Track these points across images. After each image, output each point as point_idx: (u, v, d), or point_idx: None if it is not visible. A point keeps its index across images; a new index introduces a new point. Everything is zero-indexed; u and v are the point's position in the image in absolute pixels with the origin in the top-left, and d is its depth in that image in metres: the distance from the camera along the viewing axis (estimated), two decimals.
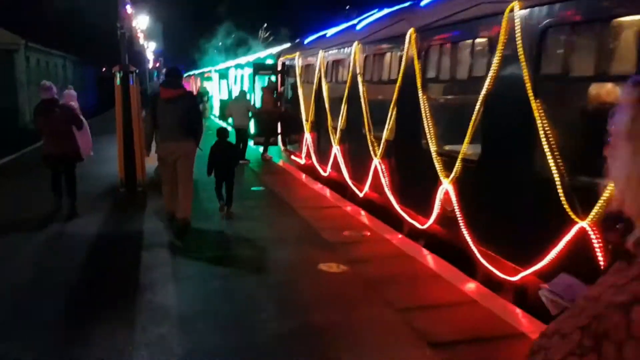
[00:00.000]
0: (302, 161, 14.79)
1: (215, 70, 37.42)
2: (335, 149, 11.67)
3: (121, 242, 8.03)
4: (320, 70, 12.74)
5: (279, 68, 17.13)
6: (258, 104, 17.28)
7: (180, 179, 8.31)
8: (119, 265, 7.03)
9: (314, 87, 13.17)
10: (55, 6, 35.40)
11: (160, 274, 6.65)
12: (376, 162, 9.30)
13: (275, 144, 17.48)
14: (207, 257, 7.28)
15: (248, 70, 24.04)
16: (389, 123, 8.76)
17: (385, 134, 8.98)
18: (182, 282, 6.39)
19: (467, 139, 6.47)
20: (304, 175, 13.79)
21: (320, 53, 12.74)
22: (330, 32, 13.00)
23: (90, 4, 33.26)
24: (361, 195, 10.17)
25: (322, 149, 12.84)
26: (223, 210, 9.41)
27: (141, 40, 25.95)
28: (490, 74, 6.07)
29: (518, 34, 5.62)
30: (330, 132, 11.94)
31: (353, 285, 6.23)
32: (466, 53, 6.93)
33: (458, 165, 6.71)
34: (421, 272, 6.65)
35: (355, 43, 10.48)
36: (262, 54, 22.55)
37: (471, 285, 6.10)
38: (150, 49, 45.06)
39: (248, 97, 16.91)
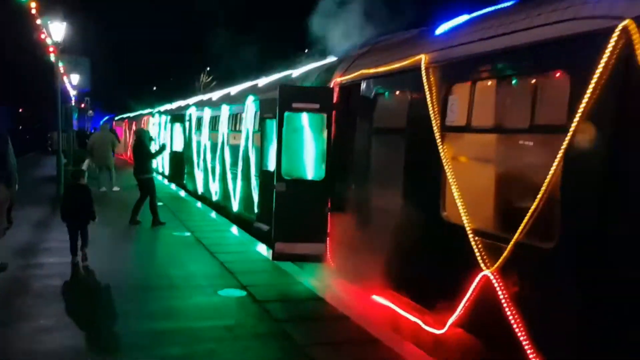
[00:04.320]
0: (440, 330, 5.72)
1: (161, 113, 27.91)
2: None
3: None
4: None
5: (335, 99, 8.19)
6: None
7: None
8: None
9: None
10: None
11: None
12: None
13: (313, 259, 8.40)
14: None
15: (223, 110, 14.84)
16: None
17: None
18: None
19: None
20: None
21: None
22: None
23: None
24: None
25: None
26: (76, 262, 8.76)
27: (52, 57, 16.36)
28: None
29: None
30: None
31: None
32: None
33: None
34: None
35: None
36: (271, 77, 13.29)
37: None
38: (73, 82, 35.27)
39: None
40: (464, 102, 5.46)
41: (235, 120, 14.33)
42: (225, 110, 15.16)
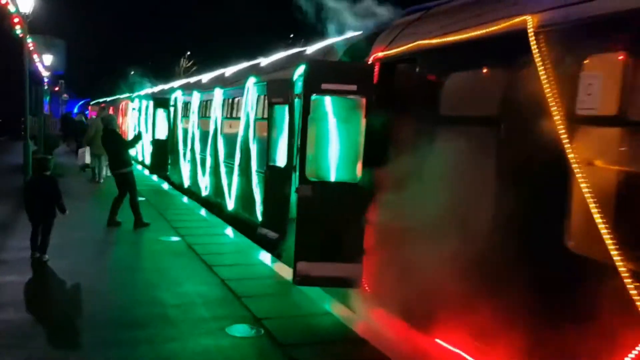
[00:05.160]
0: None
1: (141, 97, 25.73)
2: None
3: None
4: None
5: (376, 79, 6.37)
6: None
7: None
8: None
9: None
10: None
11: None
12: None
13: (345, 283, 6.57)
14: None
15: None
16: None
17: None
18: None
19: None
20: None
21: None
22: None
23: None
24: None
25: None
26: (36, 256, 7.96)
27: (19, 30, 14.21)
28: None
29: None
30: None
31: None
32: None
33: None
34: None
35: None
36: (277, 55, 11.23)
37: None
38: (46, 63, 32.84)
39: None
40: (614, 83, 3.69)
41: (231, 105, 12.44)
42: (218, 94, 13.25)
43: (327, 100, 6.62)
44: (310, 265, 6.50)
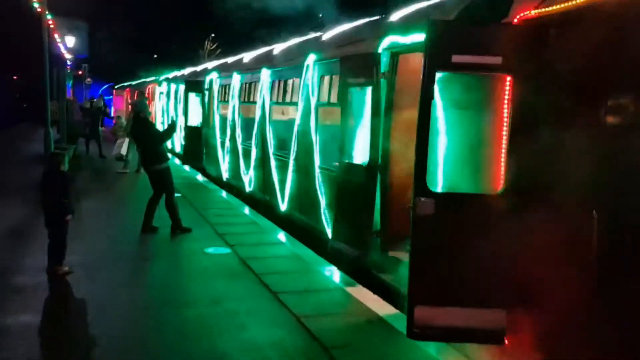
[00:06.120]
0: None
1: (169, 80, 23.93)
2: None
3: None
4: None
5: (524, 48, 4.42)
6: None
7: None
8: None
9: None
10: None
11: None
12: None
13: (484, 337, 4.66)
14: None
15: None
16: None
17: None
18: None
19: None
20: None
21: None
22: None
23: None
24: None
25: None
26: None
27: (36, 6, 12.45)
28: None
29: None
30: None
31: None
32: None
33: None
34: None
35: None
36: (343, 27, 9.22)
37: None
38: (68, 44, 31.29)
39: None
40: None
41: (283, 88, 10.56)
42: (266, 76, 11.36)
43: (457, 78, 4.70)
44: (434, 312, 4.65)
